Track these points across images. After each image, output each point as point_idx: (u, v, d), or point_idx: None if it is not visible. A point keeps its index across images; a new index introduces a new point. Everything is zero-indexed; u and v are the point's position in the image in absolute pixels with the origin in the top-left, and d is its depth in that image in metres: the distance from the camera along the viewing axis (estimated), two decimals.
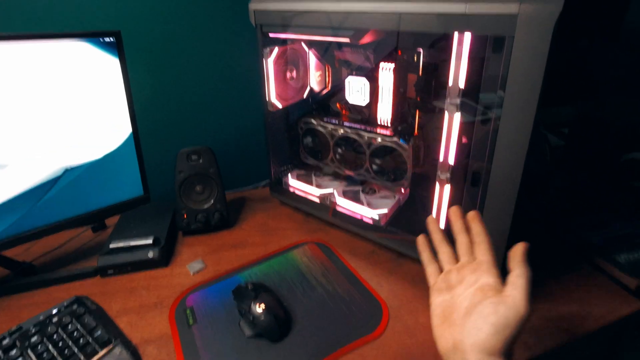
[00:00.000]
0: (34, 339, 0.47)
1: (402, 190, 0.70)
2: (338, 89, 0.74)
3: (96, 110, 0.61)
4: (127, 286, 0.59)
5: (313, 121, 0.73)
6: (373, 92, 0.66)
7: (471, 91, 0.49)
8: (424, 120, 0.64)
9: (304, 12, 0.59)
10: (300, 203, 0.76)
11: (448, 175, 0.54)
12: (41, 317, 0.50)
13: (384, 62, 0.62)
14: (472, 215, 0.43)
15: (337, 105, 0.75)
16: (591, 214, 0.70)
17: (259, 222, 0.76)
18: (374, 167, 0.68)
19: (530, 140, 0.44)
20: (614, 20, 0.68)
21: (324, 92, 0.77)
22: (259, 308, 0.49)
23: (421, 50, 0.58)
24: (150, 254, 0.62)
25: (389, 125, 0.66)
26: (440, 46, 0.57)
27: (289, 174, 0.80)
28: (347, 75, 0.68)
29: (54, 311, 0.51)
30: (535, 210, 0.71)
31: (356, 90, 0.67)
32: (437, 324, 0.40)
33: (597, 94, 0.75)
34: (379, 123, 0.67)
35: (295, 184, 0.77)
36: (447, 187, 0.56)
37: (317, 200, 0.73)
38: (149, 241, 0.64)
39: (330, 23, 0.57)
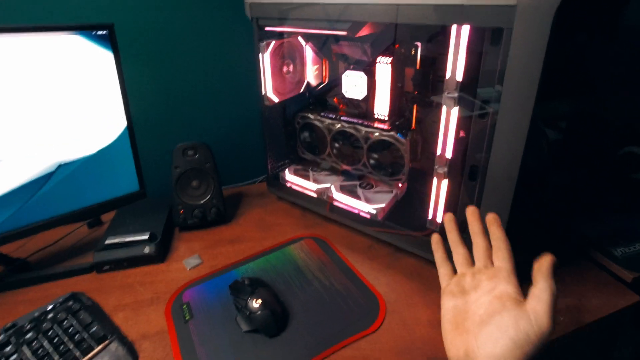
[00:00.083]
0: (29, 335, 0.46)
1: (400, 185, 0.70)
2: (335, 83, 0.73)
3: (90, 104, 0.60)
4: (123, 282, 0.59)
5: (310, 116, 0.72)
6: (370, 86, 0.65)
7: (469, 85, 0.49)
8: (421, 115, 0.64)
9: (301, 4, 0.58)
10: (298, 198, 0.75)
11: (445, 169, 0.54)
12: (36, 314, 0.49)
13: (382, 56, 0.61)
14: (491, 218, 0.41)
15: (335, 99, 0.74)
16: (588, 208, 0.70)
17: (256, 218, 0.75)
18: (372, 161, 0.68)
19: (528, 134, 0.43)
20: (613, 16, 0.68)
21: (321, 86, 0.76)
22: (256, 303, 0.49)
23: (419, 44, 0.58)
24: (147, 250, 0.62)
25: (387, 119, 0.65)
26: (438, 40, 0.56)
27: (286, 169, 0.79)
28: (345, 70, 0.67)
29: (49, 307, 0.50)
30: (532, 204, 0.71)
31: (353, 85, 0.67)
32: (448, 330, 0.38)
33: (595, 89, 0.74)
34: (376, 117, 0.67)
35: (293, 179, 0.77)
36: (445, 182, 0.55)
37: (314, 195, 0.73)
38: (145, 237, 0.63)
39: (328, 16, 0.56)
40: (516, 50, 0.41)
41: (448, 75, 0.49)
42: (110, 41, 0.59)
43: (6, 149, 0.54)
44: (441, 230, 0.58)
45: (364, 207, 0.67)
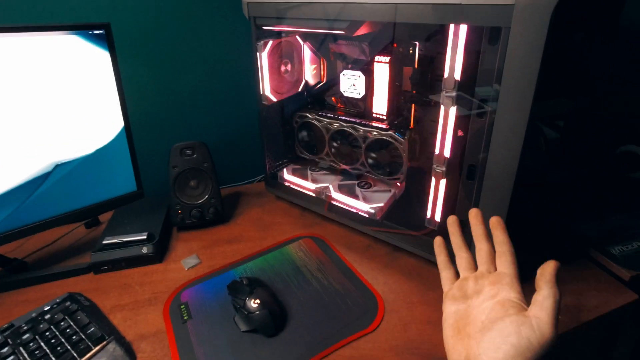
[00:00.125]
0: (25, 336, 0.46)
1: (398, 184, 0.70)
2: (333, 82, 0.73)
3: (87, 104, 0.60)
4: (121, 282, 0.59)
5: (308, 115, 0.72)
6: (368, 85, 0.65)
7: (467, 84, 0.49)
8: (419, 114, 0.64)
9: (299, 3, 0.58)
10: (296, 197, 0.75)
11: (444, 168, 0.54)
12: (33, 314, 0.49)
13: (380, 55, 0.61)
14: (495, 221, 0.40)
15: (333, 99, 0.74)
16: (586, 207, 0.70)
17: (254, 217, 0.75)
18: (370, 161, 0.68)
19: (526, 133, 0.43)
20: (612, 15, 0.68)
21: (319, 85, 0.76)
22: (254, 303, 0.49)
23: (417, 43, 0.58)
24: (144, 250, 0.61)
25: (385, 118, 0.65)
26: (436, 39, 0.56)
27: (285, 169, 0.79)
28: (343, 69, 0.67)
29: (46, 308, 0.50)
30: (530, 203, 0.72)
31: (351, 84, 0.67)
32: (450, 335, 0.37)
33: (593, 88, 0.75)
34: (374, 116, 0.67)
35: (291, 179, 0.77)
36: (443, 181, 0.55)
37: (312, 194, 0.73)
38: (143, 237, 0.63)
39: (326, 15, 0.56)
40: (514, 50, 0.41)
41: (446, 74, 0.49)
42: (107, 41, 0.59)
43: (2, 149, 0.54)
44: (440, 229, 0.59)
45: (363, 207, 0.67)
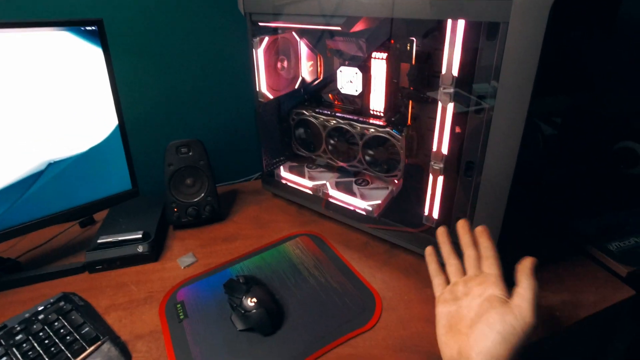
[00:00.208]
0: (19, 337, 0.45)
1: (396, 181, 0.70)
2: (330, 79, 0.73)
3: (79, 102, 0.59)
4: (116, 281, 0.58)
5: (305, 112, 0.72)
6: (365, 82, 0.65)
7: (465, 81, 0.48)
8: (417, 110, 0.63)
9: None
10: (293, 195, 0.75)
11: (441, 165, 0.54)
12: (26, 315, 0.49)
13: (377, 51, 0.61)
14: (480, 230, 0.44)
15: (330, 95, 0.74)
16: (583, 203, 0.70)
17: (251, 215, 0.75)
18: (367, 158, 0.67)
19: (524, 130, 0.43)
20: (609, 11, 0.68)
21: (316, 82, 0.76)
22: (251, 302, 0.48)
23: (414, 39, 0.57)
24: (140, 249, 0.61)
25: (382, 115, 0.65)
26: (433, 35, 0.56)
27: (281, 166, 0.79)
28: (340, 65, 0.67)
29: (40, 308, 0.50)
30: (528, 200, 0.71)
31: (348, 81, 0.66)
32: (442, 334, 0.40)
33: (591, 85, 0.74)
34: (371, 113, 0.66)
35: (288, 176, 0.76)
36: (441, 178, 0.55)
37: (309, 192, 0.72)
38: (139, 235, 0.62)
39: (322, 10, 0.56)
40: (512, 45, 0.41)
41: (444, 70, 0.49)
42: (99, 37, 0.58)
43: None
44: (437, 226, 0.58)
45: (360, 204, 0.66)
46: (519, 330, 0.35)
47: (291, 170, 0.77)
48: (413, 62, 0.58)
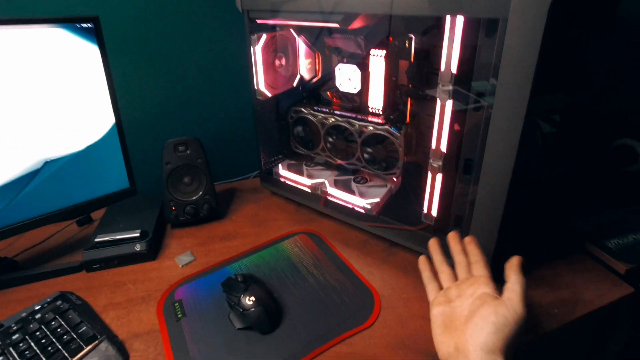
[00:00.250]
0: (15, 336, 0.45)
1: (394, 179, 0.70)
2: (329, 77, 0.72)
3: (76, 100, 0.58)
4: (114, 280, 0.58)
5: (303, 110, 0.71)
6: (364, 79, 0.64)
7: (463, 79, 0.48)
8: (416, 108, 0.63)
9: None
10: (292, 193, 0.74)
11: (440, 163, 0.54)
12: (23, 314, 0.48)
13: (375, 48, 0.60)
14: (468, 239, 0.48)
15: (328, 93, 0.73)
16: (582, 201, 0.70)
17: (249, 213, 0.74)
18: (366, 156, 0.67)
19: (522, 128, 0.43)
20: (608, 8, 0.68)
21: (315, 80, 0.75)
22: (249, 300, 0.48)
23: (413, 36, 0.57)
24: (138, 247, 0.61)
25: (381, 113, 0.65)
26: (432, 32, 0.55)
27: (280, 164, 0.78)
28: (338, 63, 0.66)
29: (37, 307, 0.49)
30: (527, 197, 0.71)
31: (347, 78, 0.66)
32: (438, 333, 0.41)
33: (590, 82, 0.74)
34: (370, 111, 0.66)
35: (286, 174, 0.76)
36: (439, 176, 0.55)
37: (308, 190, 0.72)
38: (136, 234, 0.62)
39: (320, 7, 0.55)
40: (511, 42, 0.41)
41: (443, 67, 0.49)
42: (95, 34, 0.57)
43: None
44: (436, 224, 0.58)
45: (359, 202, 0.66)
46: (511, 321, 0.37)
47: (290, 168, 0.77)
48: (412, 59, 0.58)
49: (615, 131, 0.74)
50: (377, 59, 0.61)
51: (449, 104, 0.50)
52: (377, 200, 0.66)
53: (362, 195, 0.67)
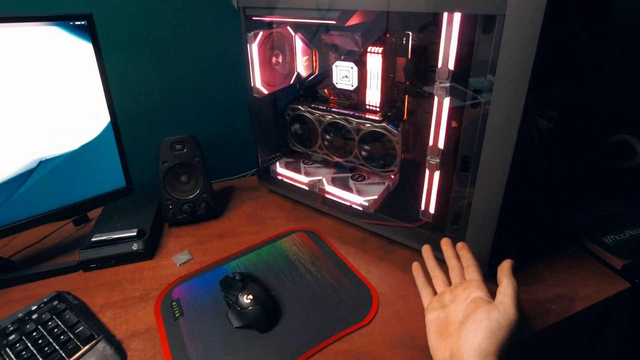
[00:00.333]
0: (12, 337, 0.45)
1: (392, 177, 0.70)
2: (326, 74, 0.72)
3: (70, 99, 0.58)
4: (111, 280, 0.58)
5: (301, 107, 0.71)
6: (361, 76, 0.64)
7: (461, 75, 0.48)
8: (413, 105, 0.63)
9: None
10: (289, 191, 0.74)
11: (438, 160, 0.54)
12: (20, 315, 0.48)
13: (373, 45, 0.60)
14: (460, 245, 0.49)
15: (325, 90, 0.73)
16: (578, 196, 0.71)
17: (247, 212, 0.74)
18: (363, 153, 0.67)
19: (520, 124, 0.43)
20: (604, 4, 0.67)
21: (312, 77, 0.75)
22: (247, 299, 0.48)
23: (410, 33, 0.57)
24: (135, 246, 0.60)
25: (378, 110, 0.64)
26: (429, 29, 0.55)
27: (277, 162, 0.78)
28: (335, 60, 0.66)
29: (33, 307, 0.49)
30: (524, 193, 0.72)
31: (344, 75, 0.65)
32: (434, 339, 0.42)
33: (586, 77, 0.74)
34: (367, 108, 0.66)
35: (284, 172, 0.76)
36: (437, 173, 0.55)
37: (306, 188, 0.72)
38: (133, 233, 0.62)
39: (317, 4, 0.55)
40: (508, 39, 0.40)
41: (440, 64, 0.49)
42: (89, 32, 0.57)
43: None
44: (434, 221, 0.58)
45: (356, 200, 0.66)
46: (504, 325, 0.37)
47: (287, 166, 0.77)
48: (409, 56, 0.58)
49: (612, 127, 0.74)
50: (375, 56, 0.61)
51: (447, 100, 0.50)
52: (375, 197, 0.66)
53: (359, 192, 0.67)
